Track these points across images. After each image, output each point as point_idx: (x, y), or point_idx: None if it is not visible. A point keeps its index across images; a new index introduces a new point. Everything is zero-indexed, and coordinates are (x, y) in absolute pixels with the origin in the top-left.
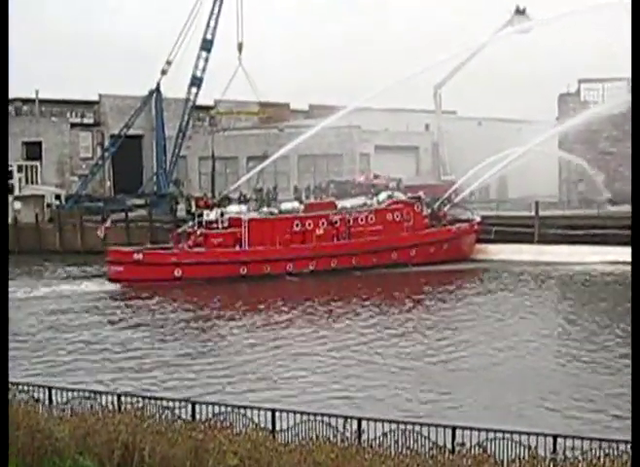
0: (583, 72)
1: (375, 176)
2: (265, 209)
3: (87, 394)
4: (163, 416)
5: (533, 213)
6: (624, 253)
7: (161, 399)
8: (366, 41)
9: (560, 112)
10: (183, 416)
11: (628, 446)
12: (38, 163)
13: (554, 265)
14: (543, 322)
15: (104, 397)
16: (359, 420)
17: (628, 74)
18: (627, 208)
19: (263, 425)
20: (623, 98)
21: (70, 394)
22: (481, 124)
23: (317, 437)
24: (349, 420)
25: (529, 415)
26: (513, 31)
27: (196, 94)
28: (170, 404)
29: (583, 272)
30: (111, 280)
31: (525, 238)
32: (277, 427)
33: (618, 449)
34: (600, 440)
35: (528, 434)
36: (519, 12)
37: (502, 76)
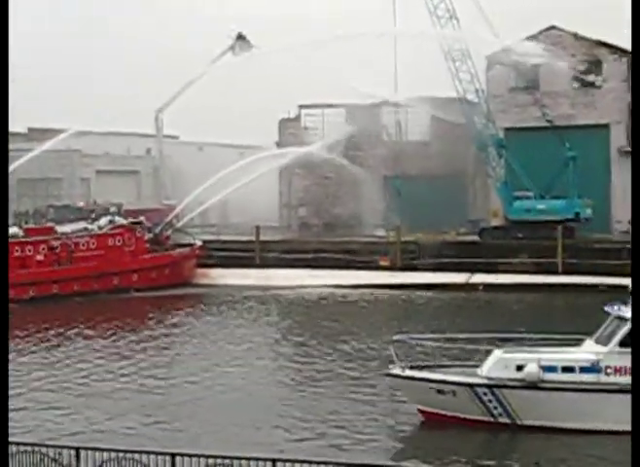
0: (303, 98)
1: (95, 201)
2: None
3: None
4: None
5: (254, 238)
6: (341, 276)
7: None
8: (93, 64)
9: (281, 137)
10: None
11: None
12: None
13: (275, 288)
14: (265, 346)
15: None
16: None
17: (347, 101)
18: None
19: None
20: (343, 127)
21: None
22: (203, 148)
23: None
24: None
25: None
26: (235, 56)
27: None
28: None
29: (302, 295)
30: None
31: (247, 263)
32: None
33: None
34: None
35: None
36: (241, 37)
37: (224, 100)
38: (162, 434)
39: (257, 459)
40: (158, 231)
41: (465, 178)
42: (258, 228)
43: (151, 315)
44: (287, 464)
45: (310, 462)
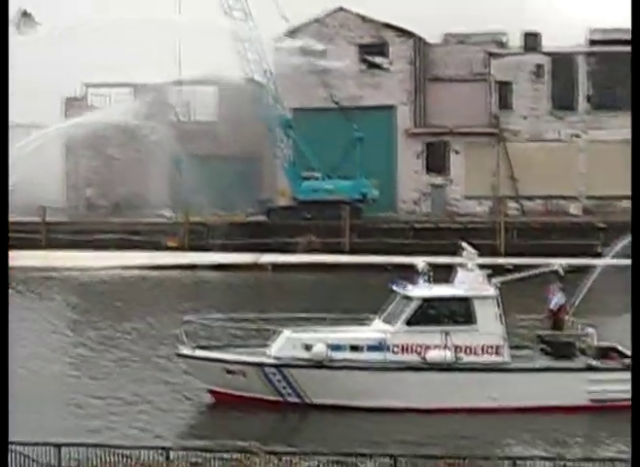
0: (89, 77)
1: None
2: None
3: None
4: None
5: (40, 219)
6: (128, 257)
7: None
8: None
9: (67, 116)
10: None
11: None
12: None
13: (61, 270)
14: (48, 327)
15: None
16: None
17: (135, 80)
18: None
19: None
20: (128, 104)
21: None
22: None
23: None
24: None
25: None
26: (20, 34)
27: None
28: None
29: (88, 277)
30: None
31: (32, 244)
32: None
33: None
34: None
35: None
36: (25, 14)
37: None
38: None
39: None
40: None
41: (255, 159)
42: (44, 209)
43: None
44: None
45: None
